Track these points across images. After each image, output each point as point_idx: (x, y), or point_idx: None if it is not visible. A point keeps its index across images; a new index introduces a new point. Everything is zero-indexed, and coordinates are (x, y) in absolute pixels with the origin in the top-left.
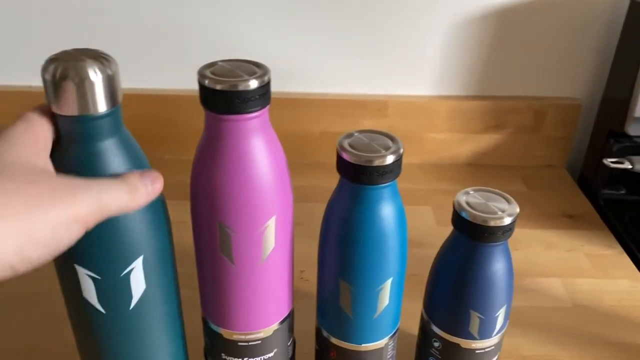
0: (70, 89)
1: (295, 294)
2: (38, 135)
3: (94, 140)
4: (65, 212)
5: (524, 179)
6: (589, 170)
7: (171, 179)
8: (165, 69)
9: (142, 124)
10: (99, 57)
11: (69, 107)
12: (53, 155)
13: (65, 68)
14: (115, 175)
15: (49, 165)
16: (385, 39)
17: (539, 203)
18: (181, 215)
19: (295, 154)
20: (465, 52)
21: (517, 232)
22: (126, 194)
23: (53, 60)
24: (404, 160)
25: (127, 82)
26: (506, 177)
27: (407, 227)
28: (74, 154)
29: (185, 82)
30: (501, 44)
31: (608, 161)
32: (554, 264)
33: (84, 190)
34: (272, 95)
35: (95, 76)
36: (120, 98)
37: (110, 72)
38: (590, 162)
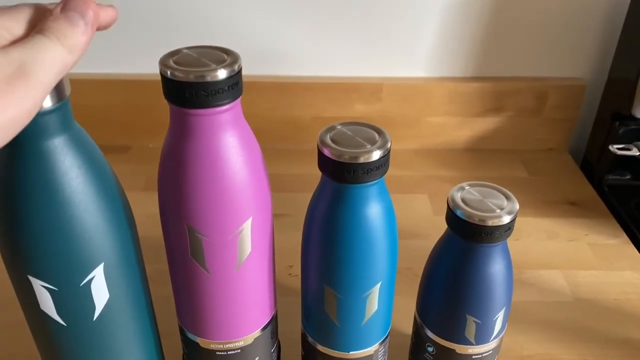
0: None
1: (283, 290)
2: None
3: (39, 139)
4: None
5: (525, 164)
6: (593, 155)
7: (156, 168)
8: (146, 53)
9: (123, 111)
10: None
11: None
12: None
13: None
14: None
15: None
16: (379, 19)
17: (540, 189)
18: None
19: (286, 140)
20: (463, 32)
21: (518, 220)
22: (61, 52)
23: None
24: (400, 146)
25: (108, 68)
26: (506, 162)
27: (398, 221)
28: (17, 155)
29: None
30: (500, 22)
31: (614, 147)
32: (555, 254)
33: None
34: (263, 80)
35: None
36: (67, 91)
37: None
38: (595, 146)
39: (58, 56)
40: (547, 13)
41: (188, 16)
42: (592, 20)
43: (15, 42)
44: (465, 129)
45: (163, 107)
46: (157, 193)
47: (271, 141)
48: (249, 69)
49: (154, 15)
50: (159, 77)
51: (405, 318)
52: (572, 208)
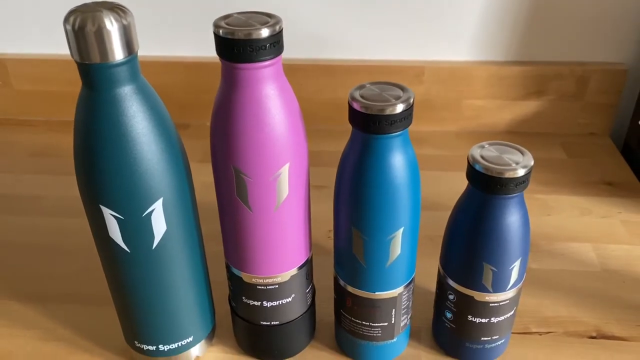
0: (88, 37)
1: (321, 251)
2: None
3: (112, 86)
4: None
5: (565, 147)
6: (634, 139)
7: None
8: (203, 37)
9: (183, 91)
10: (115, 8)
11: (87, 55)
12: (78, 102)
13: (83, 18)
14: None
15: None
16: (421, 2)
17: (577, 170)
18: None
19: (330, 121)
20: (504, 16)
21: (552, 198)
22: None
23: (73, 12)
24: (440, 128)
25: (172, 51)
26: (546, 145)
27: (436, 196)
28: (94, 100)
29: None
30: (542, 6)
31: None
32: (586, 229)
33: None
34: (308, 63)
35: (111, 25)
36: (136, 47)
37: (125, 22)
38: (636, 130)
39: None
40: None
41: (242, 4)
42: (634, 5)
43: None
44: (506, 112)
45: (207, 86)
46: (209, 164)
47: (315, 122)
48: (295, 53)
49: (207, 4)
50: (217, 60)
51: (435, 280)
52: (608, 188)
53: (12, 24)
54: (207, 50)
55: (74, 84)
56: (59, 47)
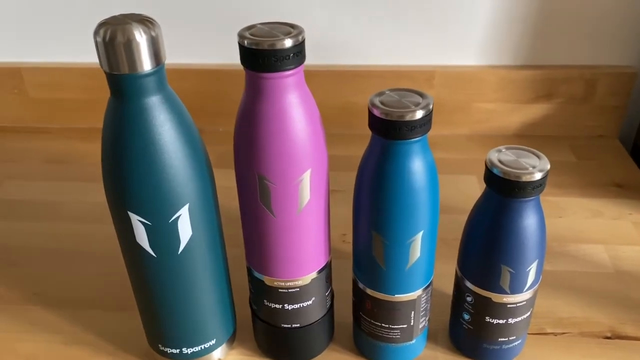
0: (117, 49)
1: (336, 254)
2: None
3: (140, 96)
4: None
5: (574, 150)
6: None
7: (225, 149)
8: (219, 46)
9: (198, 98)
10: (144, 21)
11: (117, 66)
12: (106, 111)
13: (113, 30)
14: None
15: None
16: (431, 8)
17: (587, 173)
18: (234, 182)
19: (342, 126)
20: (514, 20)
21: (563, 200)
22: None
23: (103, 24)
24: (451, 131)
25: (184, 58)
26: (556, 148)
27: (448, 199)
28: (123, 109)
29: (237, 57)
30: (551, 10)
31: None
32: (598, 231)
33: None
34: (319, 68)
35: (140, 37)
36: (164, 58)
37: (154, 34)
38: None
39: None
40: (597, 1)
41: (250, 12)
42: None
43: None
44: (516, 116)
45: (231, 95)
46: (223, 170)
47: (327, 127)
48: (308, 60)
49: (221, 13)
50: (229, 68)
51: (452, 283)
52: (618, 190)
53: (28, 33)
54: (219, 58)
55: (89, 92)
56: (73, 55)
